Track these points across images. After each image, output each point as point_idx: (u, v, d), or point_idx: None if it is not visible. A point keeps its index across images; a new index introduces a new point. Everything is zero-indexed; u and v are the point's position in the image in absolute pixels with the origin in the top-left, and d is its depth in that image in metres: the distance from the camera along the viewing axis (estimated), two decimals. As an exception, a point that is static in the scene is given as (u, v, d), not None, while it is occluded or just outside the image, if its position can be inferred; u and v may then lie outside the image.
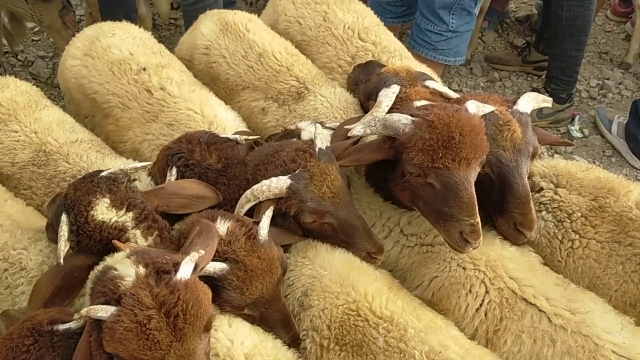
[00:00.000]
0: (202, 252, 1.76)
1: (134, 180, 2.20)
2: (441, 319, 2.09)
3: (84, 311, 1.62)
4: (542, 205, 2.34)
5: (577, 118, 4.76)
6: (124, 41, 2.98)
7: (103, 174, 2.11)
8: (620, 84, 5.18)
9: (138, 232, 2.03)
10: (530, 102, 2.29)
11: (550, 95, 4.64)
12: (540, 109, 4.64)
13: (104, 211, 2.02)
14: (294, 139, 2.38)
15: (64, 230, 1.99)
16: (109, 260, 1.78)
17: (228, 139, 2.40)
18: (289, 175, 2.11)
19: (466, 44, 3.99)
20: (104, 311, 1.59)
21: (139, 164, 2.23)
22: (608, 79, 5.20)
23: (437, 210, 2.02)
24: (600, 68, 5.34)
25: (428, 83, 2.51)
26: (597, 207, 2.27)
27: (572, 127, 4.73)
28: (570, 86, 4.66)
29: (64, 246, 1.98)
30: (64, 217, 2.01)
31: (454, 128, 1.98)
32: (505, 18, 5.85)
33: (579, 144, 4.66)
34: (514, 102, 2.30)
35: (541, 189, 2.38)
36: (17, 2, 4.41)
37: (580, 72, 4.87)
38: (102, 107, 2.90)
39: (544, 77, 4.95)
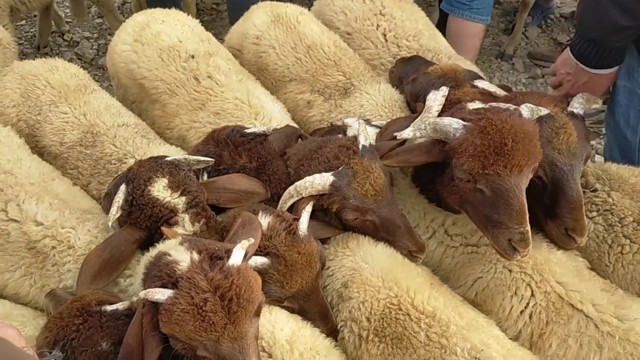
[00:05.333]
0: (252, 240, 1.82)
1: (197, 172, 2.28)
2: (483, 317, 2.09)
3: (142, 294, 1.67)
4: (593, 206, 2.31)
5: (620, 119, 4.65)
6: (173, 28, 3.02)
7: (168, 158, 2.22)
8: (667, 85, 5.05)
9: (187, 217, 2.10)
10: (584, 103, 2.26)
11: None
12: (583, 108, 4.56)
13: (160, 189, 2.11)
14: (339, 135, 2.39)
15: (119, 198, 2.11)
16: (162, 247, 1.84)
17: (256, 134, 2.41)
18: (332, 172, 2.13)
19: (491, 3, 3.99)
20: (161, 294, 1.64)
21: (201, 158, 2.29)
22: (655, 78, 5.06)
23: (486, 216, 2.00)
24: (647, 67, 5.20)
25: (477, 82, 2.49)
26: None
27: (615, 128, 4.63)
28: (614, 86, 4.56)
29: (115, 211, 2.09)
30: (122, 187, 2.13)
31: (507, 134, 1.94)
32: (549, 14, 5.76)
33: (622, 145, 4.56)
34: (568, 103, 2.26)
35: (595, 189, 2.35)
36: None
37: (626, 71, 4.75)
38: (150, 93, 2.94)
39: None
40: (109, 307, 1.84)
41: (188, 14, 3.28)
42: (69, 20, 5.41)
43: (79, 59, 5.05)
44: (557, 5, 5.88)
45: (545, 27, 5.69)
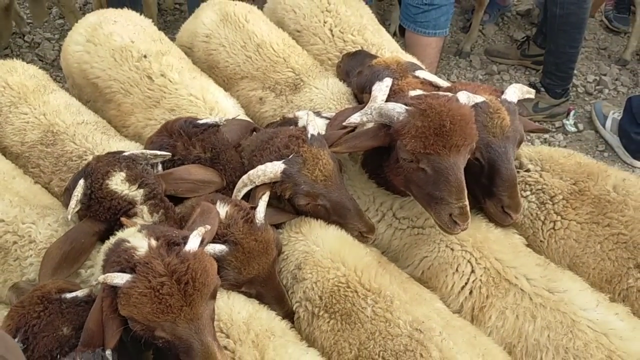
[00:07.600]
0: (208, 227, 1.90)
1: (152, 165, 2.34)
2: (427, 292, 2.20)
3: (101, 278, 1.73)
4: (527, 185, 2.46)
5: (572, 113, 4.82)
6: (125, 28, 3.05)
7: (126, 153, 2.27)
8: (616, 80, 5.22)
9: (145, 208, 2.17)
10: (517, 92, 2.40)
11: (545, 90, 4.73)
12: (536, 103, 4.73)
13: (118, 183, 2.17)
14: (290, 126, 2.45)
15: (78, 192, 2.16)
16: (121, 234, 1.90)
17: (208, 125, 2.46)
18: (283, 160, 2.22)
19: (446, 17, 4.02)
20: (120, 278, 1.71)
21: (158, 152, 2.34)
22: (605, 74, 5.24)
23: (428, 194, 2.12)
24: (598, 64, 5.37)
25: (418, 73, 2.61)
26: (578, 191, 2.40)
27: (567, 122, 4.80)
28: (566, 82, 4.72)
29: (74, 205, 2.15)
30: (81, 182, 2.18)
31: (445, 116, 2.07)
32: (506, 11, 5.89)
33: (573, 138, 4.73)
34: (502, 92, 2.39)
35: (528, 169, 2.50)
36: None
37: (578, 67, 4.91)
38: (104, 93, 2.97)
39: (541, 71, 5.02)
40: (69, 295, 1.89)
41: (141, 14, 3.30)
42: (30, 21, 5.34)
43: (40, 60, 4.98)
44: (514, 3, 6.02)
45: (502, 24, 5.83)
